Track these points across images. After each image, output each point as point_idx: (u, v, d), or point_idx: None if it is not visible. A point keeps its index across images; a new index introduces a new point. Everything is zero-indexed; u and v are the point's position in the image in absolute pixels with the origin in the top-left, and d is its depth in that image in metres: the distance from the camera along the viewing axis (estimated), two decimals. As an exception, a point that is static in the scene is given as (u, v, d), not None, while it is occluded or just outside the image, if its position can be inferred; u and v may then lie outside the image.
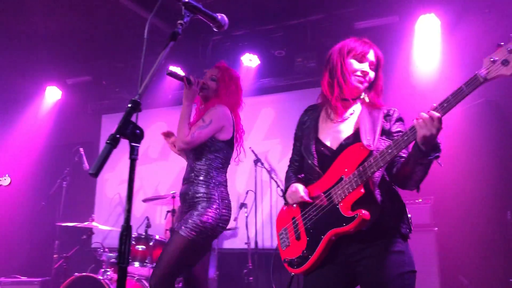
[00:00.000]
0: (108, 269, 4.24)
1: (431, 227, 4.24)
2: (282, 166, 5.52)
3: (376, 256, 1.77)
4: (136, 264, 4.18)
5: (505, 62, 1.44)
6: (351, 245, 1.82)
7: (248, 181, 5.56)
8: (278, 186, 5.21)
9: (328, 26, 5.11)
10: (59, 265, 4.73)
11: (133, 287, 4.20)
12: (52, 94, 6.57)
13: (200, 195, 2.67)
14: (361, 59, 1.96)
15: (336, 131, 1.96)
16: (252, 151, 5.18)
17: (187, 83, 2.68)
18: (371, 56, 1.98)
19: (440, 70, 4.82)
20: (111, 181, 6.43)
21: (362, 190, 1.75)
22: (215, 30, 1.76)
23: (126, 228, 1.29)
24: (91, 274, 4.11)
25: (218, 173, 2.76)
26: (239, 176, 5.77)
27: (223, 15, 1.71)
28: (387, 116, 1.93)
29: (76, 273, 4.11)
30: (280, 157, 5.59)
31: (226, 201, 2.75)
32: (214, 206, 2.65)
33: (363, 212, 1.72)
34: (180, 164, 6.13)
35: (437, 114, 1.58)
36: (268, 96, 5.86)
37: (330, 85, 2.01)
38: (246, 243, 4.74)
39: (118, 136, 1.32)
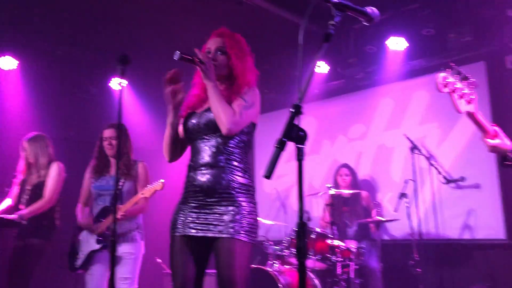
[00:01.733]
0: (275, 261, 4.48)
1: None
2: (442, 152, 5.20)
3: None
4: (301, 256, 4.33)
5: None
6: None
7: (405, 170, 5.35)
8: (439, 173, 4.92)
9: (483, -6, 4.65)
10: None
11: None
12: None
13: (238, 185, 2.20)
14: None
15: None
16: (408, 138, 4.97)
17: (200, 63, 2.21)
18: None
19: None
20: (268, 178, 6.75)
21: None
22: (365, 23, 1.75)
23: (301, 225, 1.37)
24: (261, 266, 4.38)
25: (247, 157, 2.36)
26: (395, 165, 5.59)
27: (373, 8, 1.69)
28: None
29: (247, 265, 4.43)
30: (439, 141, 5.26)
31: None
32: (254, 200, 2.27)
33: None
34: (330, 158, 6.20)
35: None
36: (420, 79, 5.56)
37: None
38: (410, 234, 4.57)
39: (284, 139, 1.41)
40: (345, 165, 5.34)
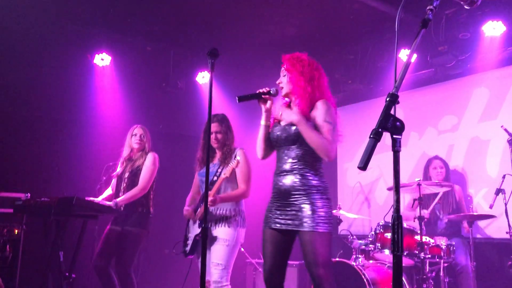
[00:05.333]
0: (359, 256, 4.40)
1: None
2: (546, 144, 4.77)
3: None
4: (386, 251, 4.22)
5: None
6: None
7: (502, 164, 4.97)
8: (542, 167, 4.52)
9: None
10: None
11: (385, 274, 4.26)
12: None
13: (309, 186, 2.64)
14: None
15: None
16: (505, 130, 4.62)
17: (259, 96, 2.84)
18: None
19: None
20: (351, 170, 6.62)
21: None
22: (466, 7, 1.64)
23: (397, 218, 1.33)
24: (344, 260, 4.33)
25: (321, 163, 2.75)
26: (490, 159, 5.22)
27: (475, -12, 1.58)
28: None
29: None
30: (541, 134, 4.83)
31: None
32: (326, 196, 2.68)
33: None
34: (419, 150, 5.93)
35: None
36: (519, 66, 5.14)
37: None
38: (507, 233, 4.25)
39: (380, 130, 1.37)
40: (438, 157, 5.09)
